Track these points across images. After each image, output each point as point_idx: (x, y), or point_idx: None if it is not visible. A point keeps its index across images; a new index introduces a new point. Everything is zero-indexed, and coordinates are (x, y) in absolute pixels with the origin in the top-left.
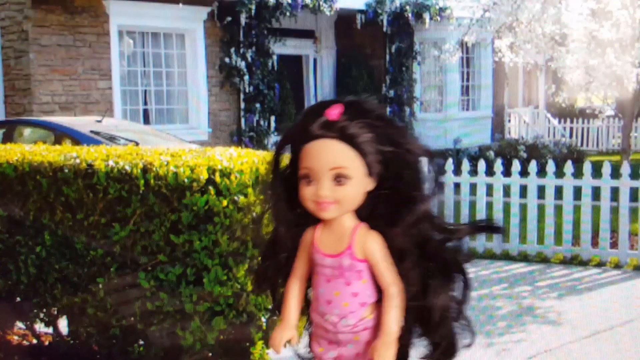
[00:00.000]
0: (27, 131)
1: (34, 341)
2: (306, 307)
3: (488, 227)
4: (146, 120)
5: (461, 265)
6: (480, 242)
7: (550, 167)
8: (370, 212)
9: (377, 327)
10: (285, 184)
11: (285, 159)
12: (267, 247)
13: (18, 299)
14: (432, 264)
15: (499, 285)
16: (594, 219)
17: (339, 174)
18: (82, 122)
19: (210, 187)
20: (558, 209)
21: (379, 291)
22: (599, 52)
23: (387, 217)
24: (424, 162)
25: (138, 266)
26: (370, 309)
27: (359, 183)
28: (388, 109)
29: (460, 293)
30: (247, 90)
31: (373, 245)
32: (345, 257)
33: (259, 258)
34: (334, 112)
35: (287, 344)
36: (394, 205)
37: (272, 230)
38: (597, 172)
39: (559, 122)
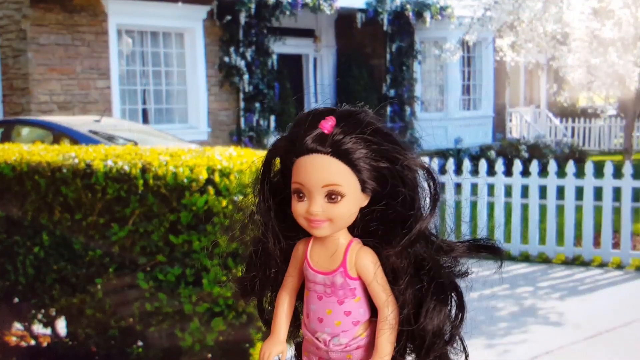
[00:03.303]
0: (25, 131)
1: (32, 342)
2: (294, 320)
3: (487, 247)
4: (145, 120)
5: (457, 287)
6: None
7: (552, 167)
8: (363, 228)
9: (370, 346)
10: (274, 194)
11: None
12: (252, 257)
13: (16, 299)
14: (426, 285)
15: (501, 285)
16: (595, 219)
17: (332, 191)
18: (80, 122)
19: (210, 187)
20: (560, 209)
21: (373, 307)
22: (600, 51)
23: (381, 235)
24: (423, 178)
25: (137, 267)
26: (364, 326)
27: (353, 200)
28: (388, 109)
29: (455, 315)
30: (246, 90)
31: (365, 262)
32: (338, 275)
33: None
34: (328, 125)
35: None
36: (389, 223)
37: (256, 240)
38: (599, 172)
39: (561, 121)
